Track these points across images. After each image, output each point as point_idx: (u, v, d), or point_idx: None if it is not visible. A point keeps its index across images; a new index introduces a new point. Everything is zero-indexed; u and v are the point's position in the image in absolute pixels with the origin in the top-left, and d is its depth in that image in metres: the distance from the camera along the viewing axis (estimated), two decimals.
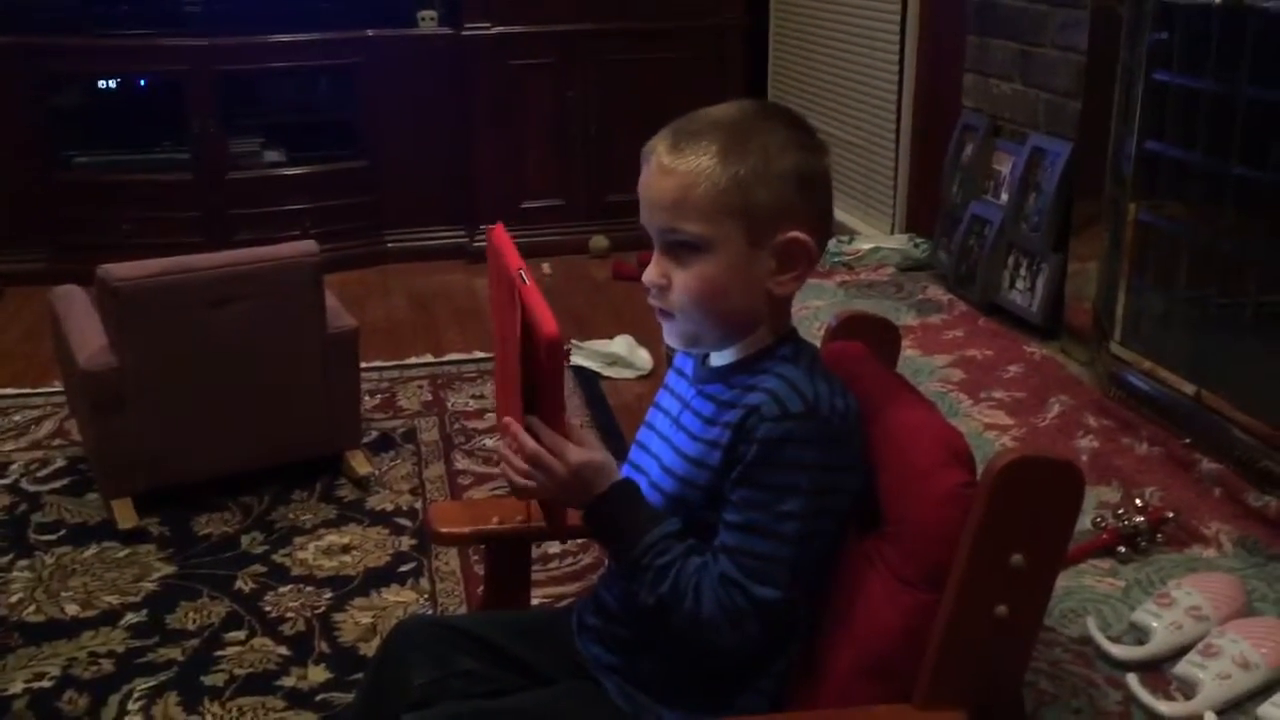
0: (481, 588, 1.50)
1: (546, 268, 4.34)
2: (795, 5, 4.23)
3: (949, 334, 2.48)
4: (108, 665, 2.02)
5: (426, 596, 2.22)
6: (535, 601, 1.82)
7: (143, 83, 4.25)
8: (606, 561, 1.30)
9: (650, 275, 1.15)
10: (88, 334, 2.49)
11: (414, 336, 3.66)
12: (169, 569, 2.33)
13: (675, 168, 1.11)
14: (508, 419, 1.17)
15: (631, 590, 1.15)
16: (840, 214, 3.79)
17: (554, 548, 2.32)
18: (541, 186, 4.46)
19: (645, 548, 1.12)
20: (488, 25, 4.25)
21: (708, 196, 1.09)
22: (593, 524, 1.17)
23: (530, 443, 1.13)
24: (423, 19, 4.32)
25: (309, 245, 2.64)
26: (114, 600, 2.22)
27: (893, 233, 3.44)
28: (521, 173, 4.43)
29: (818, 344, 1.34)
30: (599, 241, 4.44)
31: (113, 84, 4.21)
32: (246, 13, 4.12)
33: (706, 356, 1.22)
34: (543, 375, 1.10)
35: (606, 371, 3.28)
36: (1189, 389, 1.92)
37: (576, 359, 3.35)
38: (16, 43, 3.97)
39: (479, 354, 3.43)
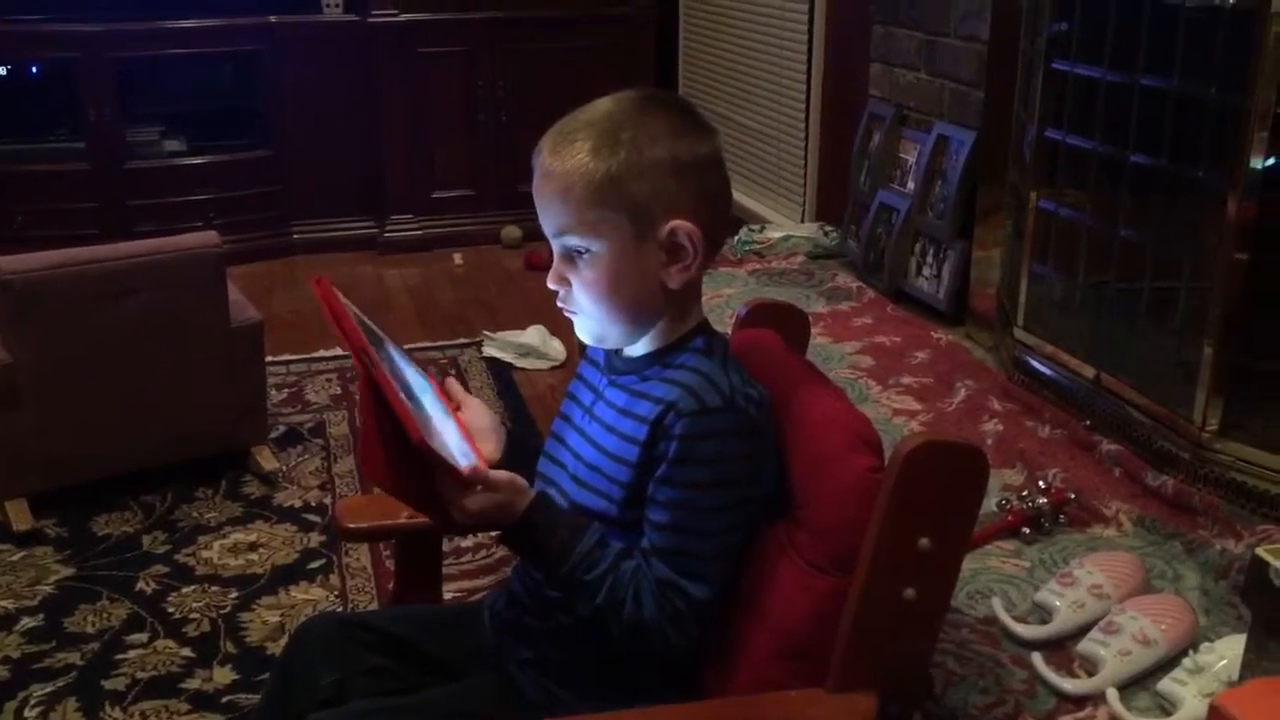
0: (392, 583, 1.48)
1: (458, 258, 4.30)
2: None
3: (858, 321, 2.51)
4: (3, 671, 1.95)
5: (336, 594, 2.18)
6: (447, 596, 1.80)
7: (34, 69, 4.10)
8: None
9: (551, 279, 1.16)
10: None
11: (322, 330, 3.59)
12: (67, 571, 2.26)
13: (554, 170, 1.11)
14: (471, 468, 1.10)
15: (567, 602, 1.14)
16: (751, 203, 3.81)
17: (466, 541, 2.30)
18: (452, 176, 4.41)
19: (573, 564, 1.11)
20: (395, 12, 4.19)
21: (586, 195, 1.09)
22: (514, 547, 1.16)
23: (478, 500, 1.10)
24: (327, 5, 4.24)
25: (210, 236, 2.58)
26: (9, 605, 2.14)
27: (803, 221, 3.46)
28: (431, 162, 4.38)
29: (728, 331, 1.34)
30: (511, 232, 4.41)
31: (2, 70, 4.06)
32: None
33: (625, 348, 1.21)
34: (426, 461, 1.07)
35: (519, 363, 3.26)
36: (1089, 372, 1.96)
37: (489, 350, 3.32)
38: None
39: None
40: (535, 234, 4.22)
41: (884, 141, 2.79)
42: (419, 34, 4.23)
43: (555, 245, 1.15)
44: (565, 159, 1.10)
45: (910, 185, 2.67)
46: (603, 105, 1.14)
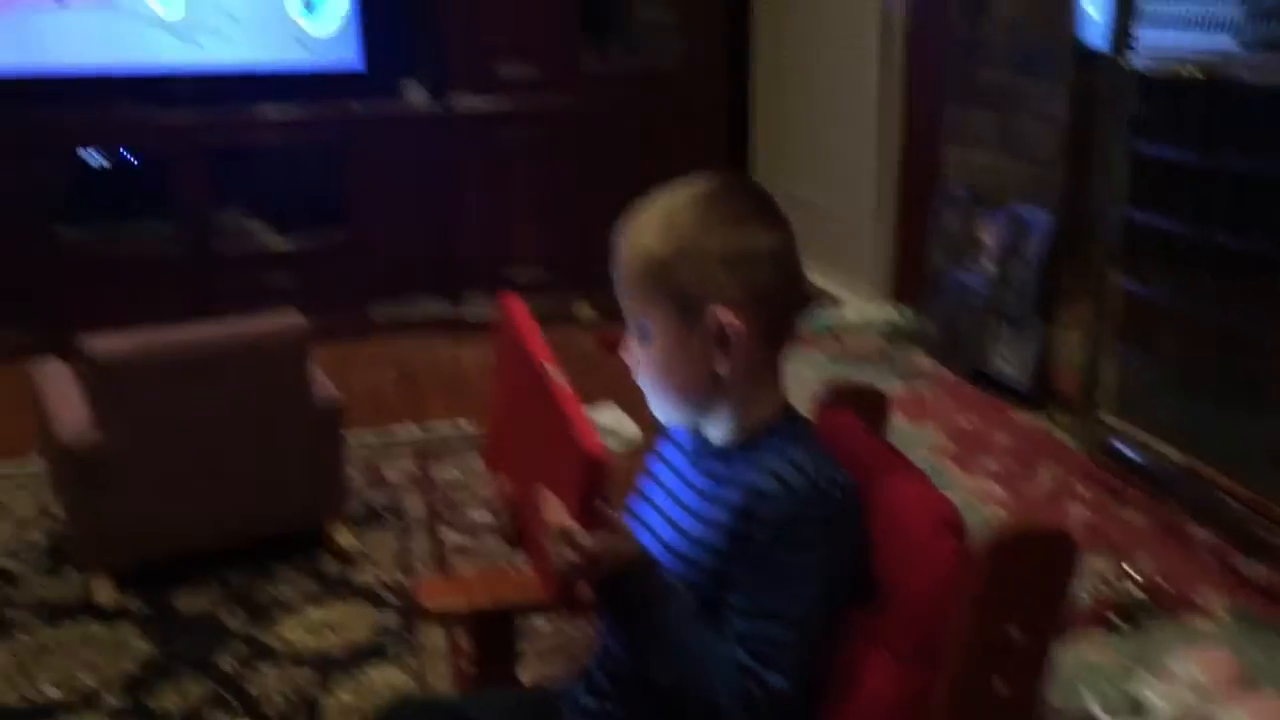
0: (468, 664, 1.48)
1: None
2: (777, 78, 4.28)
3: (937, 402, 2.49)
4: None
5: (413, 674, 2.17)
6: (523, 678, 1.79)
7: (131, 156, 4.26)
8: (599, 639, 1.28)
9: (626, 357, 1.18)
10: (69, 408, 2.47)
11: (399, 408, 3.64)
12: (149, 648, 2.28)
13: (621, 251, 1.14)
14: (565, 525, 1.09)
15: (644, 666, 1.13)
16: (826, 282, 3.80)
17: (540, 621, 2.29)
18: (527, 256, 4.47)
19: (662, 624, 1.09)
20: (474, 98, 4.29)
21: (641, 277, 1.12)
22: (614, 598, 1.13)
23: (589, 544, 1.08)
24: (408, 92, 4.36)
25: (294, 317, 2.63)
26: (93, 681, 2.17)
27: (877, 301, 3.45)
28: (507, 243, 4.44)
29: (806, 412, 1.34)
30: (585, 310, 4.44)
31: (102, 157, 4.23)
32: (235, 89, 4.15)
33: (701, 430, 1.21)
34: (584, 489, 1.07)
35: None
36: (1177, 456, 1.91)
37: None
38: (8, 114, 3.98)
39: (465, 425, 3.41)
40: (609, 313, 4.27)
41: (959, 222, 2.78)
42: (496, 119, 4.33)
43: (626, 320, 1.17)
44: (628, 241, 1.13)
45: (988, 266, 2.65)
46: (674, 189, 1.16)
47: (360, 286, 4.38)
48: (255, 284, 4.19)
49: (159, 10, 4.06)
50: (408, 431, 3.39)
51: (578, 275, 4.46)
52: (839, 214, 3.80)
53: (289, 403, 2.56)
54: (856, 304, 3.40)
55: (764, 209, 1.15)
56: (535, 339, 1.16)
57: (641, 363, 1.16)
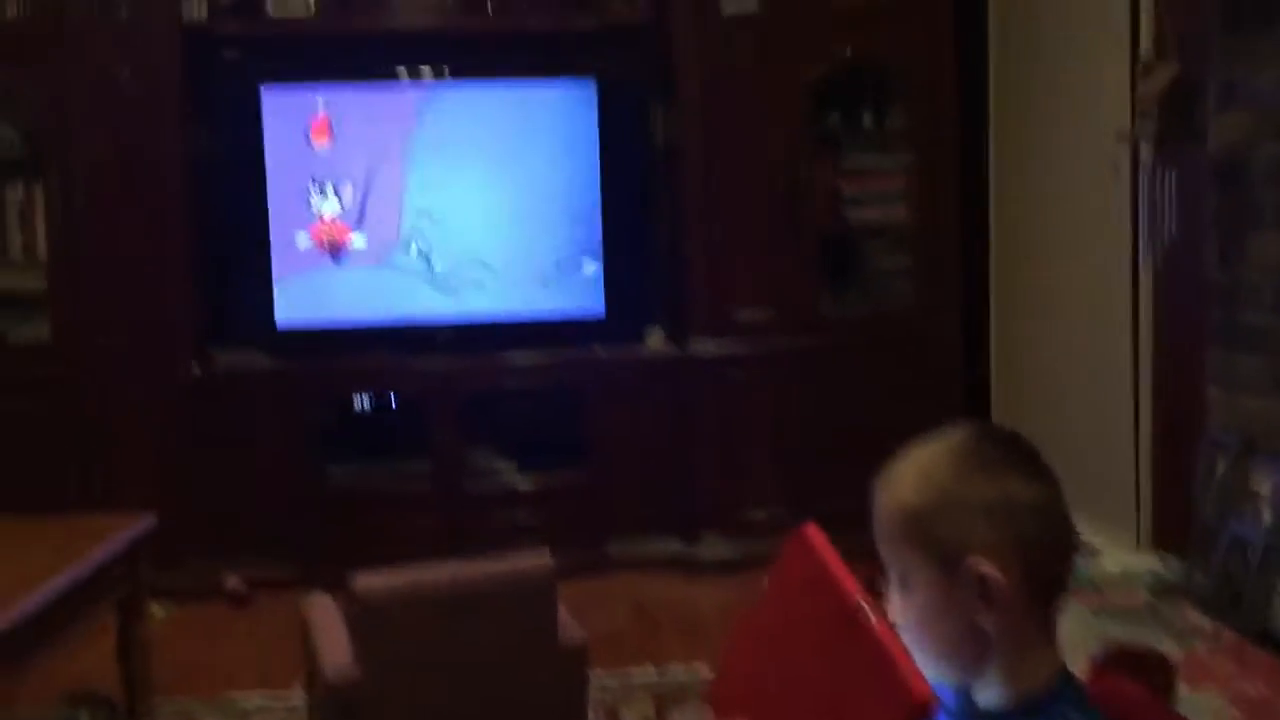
0: None
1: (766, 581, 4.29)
2: (1018, 320, 4.25)
3: (1218, 665, 2.30)
4: None
5: None
6: None
7: (393, 401, 4.57)
8: None
9: (888, 608, 1.16)
10: (334, 644, 2.57)
11: (636, 648, 3.63)
12: None
13: (880, 501, 1.14)
14: None
15: None
16: (1079, 527, 3.63)
17: None
18: (764, 496, 4.47)
19: None
20: (712, 343, 4.43)
21: (898, 529, 1.12)
22: None
23: None
24: (650, 337, 4.54)
25: (543, 558, 2.69)
26: None
27: (1139, 550, 3.27)
28: (744, 483, 4.47)
29: (1076, 671, 1.27)
30: None
31: (367, 403, 4.55)
32: (490, 336, 4.43)
33: (970, 692, 1.16)
34: None
35: None
36: None
37: None
38: (286, 367, 4.36)
39: (702, 669, 3.37)
40: (845, 555, 4.20)
41: (1230, 470, 2.63)
42: (733, 362, 4.43)
43: (890, 575, 1.16)
44: (886, 492, 1.14)
45: (1266, 517, 2.49)
46: (933, 439, 1.17)
47: (599, 524, 4.46)
48: (501, 520, 4.34)
49: (426, 265, 4.42)
50: (644, 674, 3.37)
51: (815, 517, 4.40)
52: (1089, 457, 3.66)
53: (538, 643, 2.59)
54: (1115, 553, 3.23)
55: (1025, 459, 1.14)
56: (844, 572, 1.16)
57: (902, 616, 1.14)
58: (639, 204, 4.56)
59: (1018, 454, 1.14)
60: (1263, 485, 2.52)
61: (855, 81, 4.52)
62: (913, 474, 1.12)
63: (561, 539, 4.26)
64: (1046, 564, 1.12)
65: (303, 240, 4.35)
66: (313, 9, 4.33)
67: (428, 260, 4.42)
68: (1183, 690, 2.18)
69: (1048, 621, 1.13)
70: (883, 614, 1.11)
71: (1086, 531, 3.60)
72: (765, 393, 4.46)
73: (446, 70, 4.46)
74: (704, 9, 4.34)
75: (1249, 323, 2.57)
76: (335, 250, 4.36)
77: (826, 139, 4.50)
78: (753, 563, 4.36)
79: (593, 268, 4.45)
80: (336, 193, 4.34)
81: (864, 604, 1.11)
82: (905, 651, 1.07)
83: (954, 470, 1.11)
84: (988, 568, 1.08)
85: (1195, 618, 2.59)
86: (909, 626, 1.13)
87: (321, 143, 4.37)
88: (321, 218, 4.35)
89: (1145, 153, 3.07)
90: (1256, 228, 2.54)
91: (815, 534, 1.23)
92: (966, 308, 4.51)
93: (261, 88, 4.33)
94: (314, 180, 4.33)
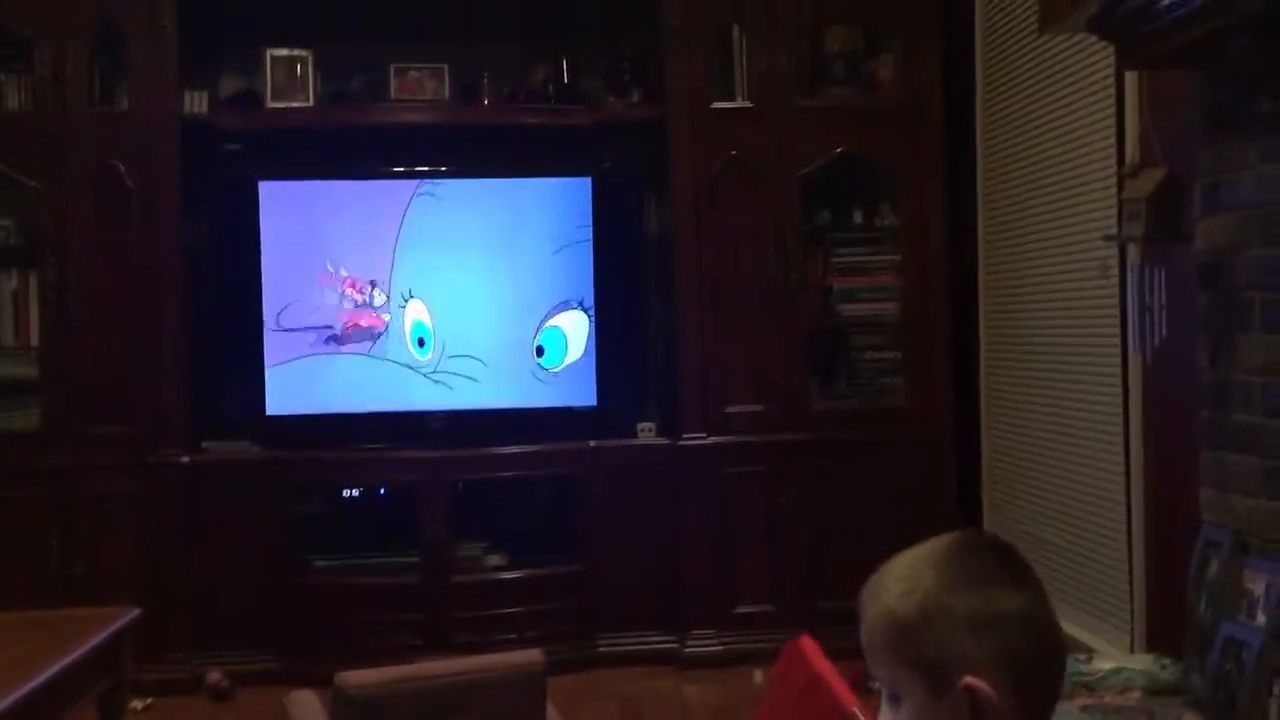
0: None
1: (759, 676, 4.23)
2: (1007, 414, 4.26)
3: None
4: None
5: None
6: None
7: (382, 491, 4.54)
8: None
9: (880, 718, 1.14)
10: None
11: None
12: None
13: (866, 615, 1.13)
14: None
15: None
16: (1073, 628, 3.60)
17: None
18: (754, 591, 4.44)
19: None
20: (704, 436, 4.43)
21: (884, 643, 1.10)
22: None
23: None
24: (642, 430, 4.53)
25: (533, 654, 2.66)
26: None
27: (1133, 650, 3.24)
28: (733, 578, 4.44)
29: None
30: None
31: (355, 492, 4.52)
32: (481, 426, 4.43)
33: None
34: None
35: None
36: None
37: None
38: (275, 457, 4.34)
39: None
40: (837, 653, 4.16)
41: (1223, 570, 2.62)
42: (724, 454, 4.44)
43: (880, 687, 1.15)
44: (872, 603, 1.12)
45: (1260, 618, 2.47)
46: (919, 549, 1.15)
47: (588, 618, 4.42)
48: (488, 613, 4.28)
49: (417, 358, 4.43)
50: None
51: (805, 613, 4.37)
52: (1082, 555, 3.65)
53: None
54: (1109, 653, 3.20)
55: (1011, 568, 1.13)
56: (838, 682, 1.15)
57: None
58: (632, 296, 4.59)
59: (1003, 562, 1.13)
60: (1256, 585, 2.51)
61: (846, 178, 4.60)
62: (898, 585, 1.11)
63: (550, 633, 4.23)
64: (1036, 675, 1.11)
65: (324, 325, 4.39)
66: (311, 102, 4.41)
67: (421, 351, 4.44)
68: None
69: None
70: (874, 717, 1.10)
71: (1081, 632, 3.58)
72: (756, 486, 4.45)
73: (443, 165, 4.52)
74: (697, 104, 4.42)
75: (1239, 422, 2.58)
76: (365, 338, 4.39)
77: (817, 234, 4.56)
78: (742, 659, 4.31)
79: (576, 351, 4.46)
80: (357, 286, 4.39)
81: (858, 713, 1.10)
82: None
83: (939, 581, 1.09)
84: (979, 684, 1.07)
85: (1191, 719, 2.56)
86: None
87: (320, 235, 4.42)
88: (345, 307, 4.39)
89: (1133, 254, 3.11)
90: (1244, 329, 2.56)
91: (810, 645, 1.22)
92: (958, 404, 4.53)
93: (260, 181, 4.38)
94: (331, 267, 4.36)
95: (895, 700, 1.11)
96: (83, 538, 4.18)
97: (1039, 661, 1.11)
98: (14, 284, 4.29)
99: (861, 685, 3.83)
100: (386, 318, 4.42)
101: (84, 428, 4.23)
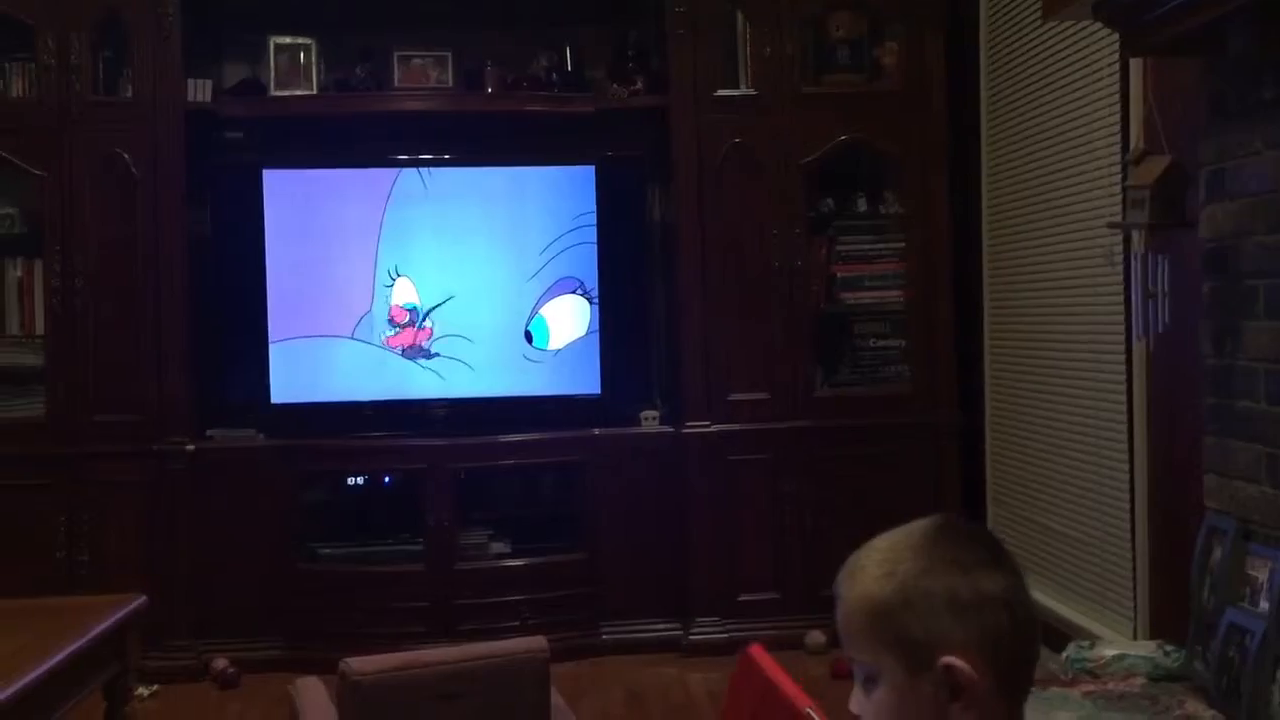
0: None
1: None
2: (1011, 405, 4.26)
3: None
4: None
5: None
6: None
7: (386, 479, 4.55)
8: None
9: (851, 704, 1.15)
10: None
11: None
12: None
13: (844, 595, 1.14)
14: None
15: None
16: (1077, 616, 3.61)
17: None
18: (757, 579, 4.44)
19: None
20: (706, 423, 4.43)
21: (863, 624, 1.11)
22: None
23: None
24: (645, 418, 4.54)
25: (537, 641, 2.66)
26: None
27: (1136, 637, 3.24)
28: (737, 566, 4.44)
29: None
30: (815, 637, 4.33)
31: (359, 480, 4.53)
32: (487, 414, 4.43)
33: None
34: None
35: None
36: None
37: None
38: (279, 445, 4.35)
39: None
40: (839, 641, 4.16)
41: (1227, 557, 2.62)
42: (727, 442, 4.43)
43: (854, 669, 1.15)
44: (850, 586, 1.13)
45: (1263, 605, 2.47)
46: (897, 532, 1.16)
47: (592, 606, 4.42)
48: (492, 601, 4.29)
49: (425, 344, 4.44)
50: None
51: (808, 600, 4.39)
52: (1085, 542, 3.65)
53: None
54: (1113, 640, 3.20)
55: (993, 553, 1.13)
56: (791, 686, 1.16)
57: (867, 711, 1.13)
58: (636, 285, 4.59)
59: (982, 545, 1.14)
60: (1260, 572, 2.51)
61: (850, 165, 4.59)
62: (877, 568, 1.12)
63: (554, 621, 4.24)
64: (1014, 655, 1.11)
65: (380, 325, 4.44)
66: (314, 90, 4.40)
67: (426, 338, 4.44)
68: None
69: (1014, 717, 1.13)
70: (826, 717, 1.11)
71: (1084, 619, 3.58)
72: (759, 474, 4.46)
73: (447, 153, 4.52)
74: (701, 92, 4.41)
75: (1244, 409, 2.58)
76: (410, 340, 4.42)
77: (821, 222, 4.55)
78: (745, 646, 4.31)
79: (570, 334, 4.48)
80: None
81: (812, 712, 1.11)
82: None
83: (919, 564, 1.10)
84: (960, 664, 1.08)
85: (1196, 707, 2.55)
86: None
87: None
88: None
89: (1137, 241, 3.11)
90: (1248, 316, 2.56)
91: (761, 654, 1.23)
92: (962, 391, 4.53)
93: (263, 169, 4.38)
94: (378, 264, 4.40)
95: (871, 682, 1.12)
96: (88, 526, 4.20)
97: (1017, 642, 1.12)
98: (19, 272, 4.29)
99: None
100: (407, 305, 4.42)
101: (89, 416, 4.24)
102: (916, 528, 1.16)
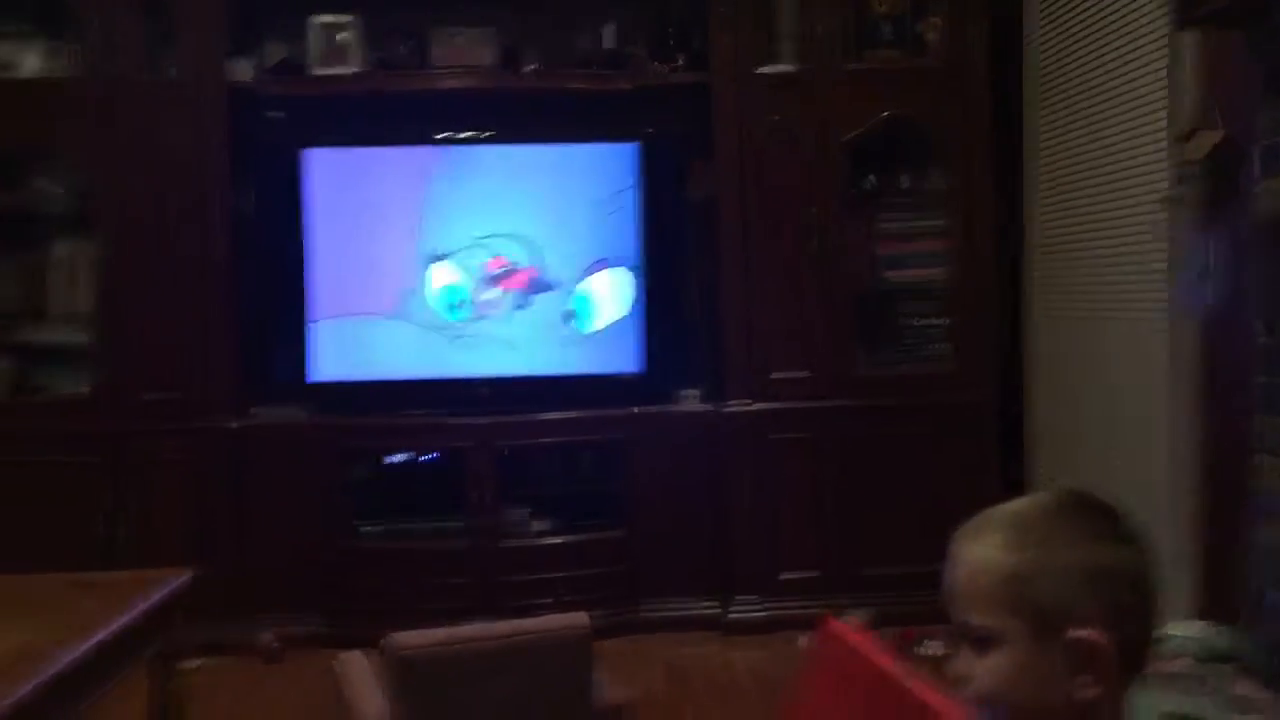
0: None
1: (803, 642, 4.23)
2: (1055, 379, 4.22)
3: None
4: None
5: None
6: None
7: (429, 457, 4.57)
8: None
9: (957, 666, 1.13)
10: (368, 702, 2.55)
11: (669, 711, 3.59)
12: None
13: (964, 558, 1.12)
14: None
15: None
16: None
17: None
18: (798, 558, 4.43)
19: None
20: (748, 401, 4.41)
21: (989, 589, 1.09)
22: None
23: None
24: (686, 396, 4.53)
25: (580, 617, 2.66)
26: None
27: (1185, 617, 3.20)
28: (777, 544, 4.43)
29: None
30: (856, 617, 4.31)
31: (402, 458, 4.55)
32: (528, 392, 4.44)
33: None
34: None
35: None
36: None
37: None
38: (322, 422, 4.38)
39: None
40: (881, 619, 4.14)
41: (1278, 536, 2.58)
42: (769, 421, 4.42)
43: (959, 632, 1.13)
44: (975, 549, 1.11)
45: None
46: (1022, 501, 1.16)
47: (633, 584, 4.43)
48: (533, 578, 4.31)
49: (466, 322, 4.45)
50: None
51: (849, 579, 4.37)
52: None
53: (573, 704, 2.56)
54: (1165, 621, 3.16)
55: (1120, 526, 1.13)
56: (889, 661, 1.15)
57: (982, 678, 1.10)
58: (677, 263, 4.58)
59: (1113, 519, 1.14)
60: None
61: (892, 142, 4.54)
62: (1007, 535, 1.11)
63: (595, 598, 4.25)
64: (1139, 629, 1.11)
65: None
66: (355, 68, 4.40)
67: (468, 317, 4.45)
68: None
69: (1124, 699, 1.11)
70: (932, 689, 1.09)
71: None
72: (800, 453, 4.43)
73: (488, 131, 4.51)
74: (742, 69, 4.38)
75: None
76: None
77: (863, 199, 4.51)
78: (786, 625, 4.31)
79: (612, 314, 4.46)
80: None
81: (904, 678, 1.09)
82: None
83: (1053, 532, 1.10)
84: (1095, 635, 1.07)
85: (1248, 688, 2.52)
86: (989, 690, 1.10)
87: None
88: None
89: (1187, 217, 3.05)
90: None
91: (842, 626, 1.21)
92: (1004, 370, 4.48)
93: (304, 148, 4.39)
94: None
95: (984, 645, 1.10)
96: (132, 502, 4.24)
97: (1142, 616, 1.11)
98: (65, 251, 4.33)
99: (909, 649, 3.83)
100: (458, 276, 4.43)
101: (134, 394, 4.28)
102: (1046, 497, 1.16)
